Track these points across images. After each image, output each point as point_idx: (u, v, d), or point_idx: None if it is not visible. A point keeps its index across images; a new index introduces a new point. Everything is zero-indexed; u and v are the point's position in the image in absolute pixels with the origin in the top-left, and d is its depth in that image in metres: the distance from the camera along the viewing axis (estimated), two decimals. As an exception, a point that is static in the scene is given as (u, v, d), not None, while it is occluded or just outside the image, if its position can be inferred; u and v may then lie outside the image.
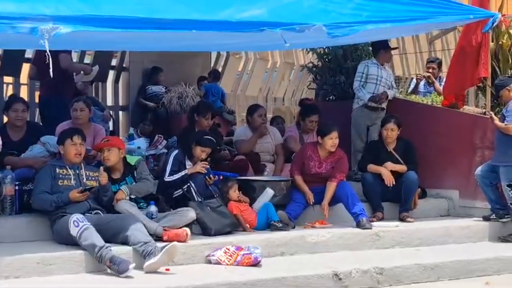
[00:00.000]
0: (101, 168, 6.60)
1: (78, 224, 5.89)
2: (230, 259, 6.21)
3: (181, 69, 11.76)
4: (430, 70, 10.19)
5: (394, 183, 7.91)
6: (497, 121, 7.61)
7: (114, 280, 5.61)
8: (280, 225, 7.12)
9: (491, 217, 7.86)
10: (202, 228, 6.78)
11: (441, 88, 9.55)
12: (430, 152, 8.61)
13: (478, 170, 7.91)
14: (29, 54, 11.40)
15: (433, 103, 9.22)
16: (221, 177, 7.52)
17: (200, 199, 7.00)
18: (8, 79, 12.29)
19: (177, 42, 7.48)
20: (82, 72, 9.69)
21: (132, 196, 6.77)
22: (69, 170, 6.54)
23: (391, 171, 7.95)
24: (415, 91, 10.23)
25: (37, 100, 10.29)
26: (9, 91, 12.45)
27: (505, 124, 7.52)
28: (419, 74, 10.74)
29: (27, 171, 6.99)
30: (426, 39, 15.01)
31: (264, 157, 8.71)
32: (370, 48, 9.60)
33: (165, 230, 6.39)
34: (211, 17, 6.20)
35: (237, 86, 17.25)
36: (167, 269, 5.88)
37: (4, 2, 5.50)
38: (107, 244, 5.83)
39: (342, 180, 7.70)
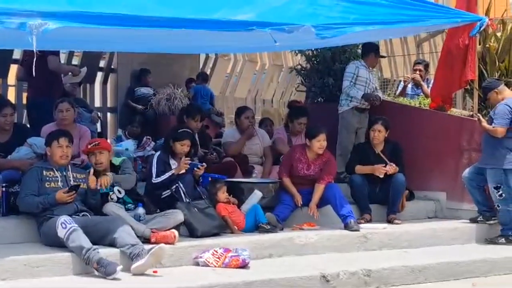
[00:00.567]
0: (90, 171, 6.58)
1: (65, 226, 5.87)
2: (218, 261, 6.21)
3: (170, 71, 11.77)
4: (417, 72, 10.22)
5: (387, 172, 7.92)
6: (484, 123, 7.64)
7: (102, 282, 5.59)
8: (268, 227, 7.13)
9: (478, 219, 7.90)
10: (189, 230, 6.77)
11: (428, 90, 9.59)
12: (417, 154, 8.64)
13: (465, 172, 7.94)
14: (17, 55, 11.37)
15: (421, 106, 9.25)
16: (209, 179, 7.52)
17: (188, 200, 7.01)
18: (-5, 80, 12.25)
19: (166, 43, 7.48)
20: (70, 73, 9.67)
21: (120, 196, 6.77)
22: (56, 172, 6.52)
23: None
24: (403, 93, 10.26)
25: (24, 101, 10.26)
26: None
27: (493, 126, 7.55)
28: (407, 76, 10.77)
29: (13, 173, 6.96)
30: (414, 42, 15.08)
31: (253, 159, 8.72)
32: (359, 51, 9.62)
33: (153, 232, 6.38)
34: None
35: (225, 88, 17.25)
36: (155, 271, 5.87)
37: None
38: (95, 246, 5.81)
39: (330, 182, 7.71)
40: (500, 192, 7.53)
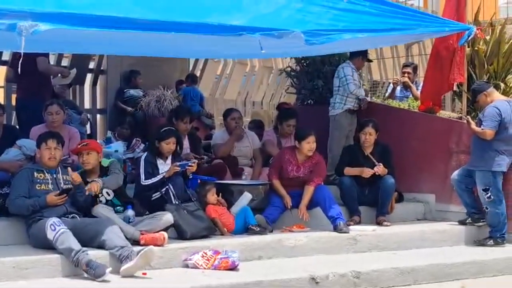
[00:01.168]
0: (69, 169, 6.58)
1: (55, 228, 5.87)
2: (208, 263, 6.21)
3: (160, 73, 11.75)
4: (406, 75, 10.24)
5: (376, 173, 7.93)
6: (473, 126, 7.67)
7: (91, 284, 5.58)
8: (258, 229, 7.13)
9: (467, 221, 7.93)
10: (177, 232, 6.76)
11: (418, 92, 9.62)
12: (406, 157, 8.66)
13: (454, 174, 7.97)
14: (6, 56, 11.34)
15: (410, 108, 9.28)
16: (199, 181, 7.52)
17: (177, 202, 7.00)
18: (-16, 81, 12.20)
19: (155, 46, 7.46)
20: (59, 75, 9.65)
21: (108, 198, 6.77)
22: (46, 174, 6.50)
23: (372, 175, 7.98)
24: (392, 95, 10.28)
25: (14, 102, 10.22)
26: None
27: (482, 129, 7.58)
28: (396, 78, 10.80)
29: (3, 174, 6.94)
30: (403, 44, 15.09)
31: (242, 161, 8.71)
32: (348, 54, 9.65)
33: (142, 234, 6.37)
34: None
35: (215, 90, 17.23)
36: (144, 273, 5.87)
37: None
38: (84, 248, 5.80)
39: (319, 184, 7.72)
40: (489, 194, 7.56)
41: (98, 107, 12.74)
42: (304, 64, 10.33)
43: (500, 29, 9.23)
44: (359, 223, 7.81)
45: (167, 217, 6.64)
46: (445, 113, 8.85)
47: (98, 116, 12.78)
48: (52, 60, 10.74)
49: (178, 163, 7.19)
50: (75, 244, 5.79)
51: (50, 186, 6.46)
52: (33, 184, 6.41)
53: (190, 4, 6.45)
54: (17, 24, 5.33)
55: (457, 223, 8.00)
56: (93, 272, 5.63)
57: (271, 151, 8.75)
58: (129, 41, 6.92)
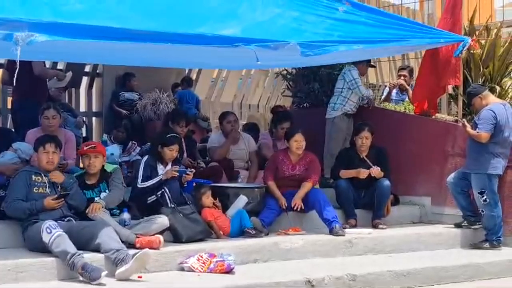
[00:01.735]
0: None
1: (50, 231, 5.86)
2: (203, 267, 6.20)
3: (156, 76, 11.70)
4: (402, 78, 10.26)
5: (372, 174, 7.94)
6: (469, 129, 7.68)
7: (86, 288, 5.58)
8: (254, 232, 7.13)
9: (463, 224, 7.94)
10: (173, 235, 6.76)
11: (414, 95, 9.62)
12: (402, 160, 8.67)
13: (450, 177, 7.98)
14: (1, 59, 11.30)
15: (406, 111, 9.29)
16: (194, 184, 7.51)
17: (173, 205, 6.99)
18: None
19: (151, 56, 7.46)
20: (55, 78, 9.63)
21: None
22: (44, 177, 6.49)
23: (367, 178, 7.98)
24: (388, 98, 10.30)
25: (9, 105, 10.20)
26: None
27: (477, 132, 7.59)
28: (392, 82, 10.82)
29: (-2, 177, 6.94)
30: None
31: (238, 164, 8.72)
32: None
33: (138, 237, 6.36)
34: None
35: (211, 93, 17.21)
36: (140, 277, 5.86)
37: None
38: (79, 252, 5.79)
39: (316, 181, 7.77)
40: (484, 197, 7.57)
41: (93, 110, 12.71)
42: (300, 67, 10.34)
43: (495, 32, 9.24)
44: (355, 226, 7.82)
45: (163, 220, 6.63)
46: (441, 116, 8.87)
47: (94, 119, 12.74)
48: (47, 63, 10.71)
49: (176, 168, 7.18)
50: (71, 247, 5.78)
51: (47, 189, 6.44)
52: (31, 187, 6.40)
53: (185, 9, 6.46)
54: (14, 34, 5.33)
55: (453, 226, 8.01)
56: (89, 275, 5.62)
57: (266, 154, 8.77)
58: (124, 51, 6.90)
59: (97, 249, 5.99)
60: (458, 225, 7.96)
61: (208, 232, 7.01)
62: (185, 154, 8.31)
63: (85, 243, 6.04)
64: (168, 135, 7.41)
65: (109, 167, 7.08)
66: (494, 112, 7.57)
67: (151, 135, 9.52)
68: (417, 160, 8.71)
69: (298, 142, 7.75)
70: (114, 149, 8.90)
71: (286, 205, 7.62)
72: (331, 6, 7.18)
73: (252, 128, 10.22)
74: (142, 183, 7.15)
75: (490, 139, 7.55)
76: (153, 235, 6.44)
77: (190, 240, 6.73)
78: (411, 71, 10.54)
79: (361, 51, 7.40)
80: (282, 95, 13.31)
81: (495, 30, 9.34)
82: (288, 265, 6.71)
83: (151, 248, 6.17)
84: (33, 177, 6.46)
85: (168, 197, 7.09)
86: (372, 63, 10.02)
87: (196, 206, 7.14)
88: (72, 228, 6.12)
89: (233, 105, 17.30)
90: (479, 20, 9.90)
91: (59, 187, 6.48)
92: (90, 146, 6.98)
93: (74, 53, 7.22)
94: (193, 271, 6.19)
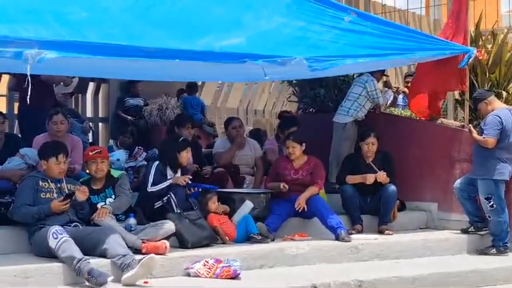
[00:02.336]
0: (81, 186, 6.56)
1: (57, 236, 5.87)
2: (209, 272, 6.19)
3: (161, 81, 11.74)
4: (408, 85, 10.25)
5: (378, 179, 7.94)
6: (475, 134, 7.67)
7: (92, 293, 5.59)
8: (259, 237, 7.12)
9: (469, 230, 7.91)
10: (179, 241, 6.76)
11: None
12: (409, 165, 8.66)
13: (457, 183, 7.96)
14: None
15: (412, 116, 9.27)
16: (200, 189, 7.51)
17: (179, 211, 6.99)
18: (-13, 90, 12.20)
19: (159, 71, 7.47)
20: (62, 83, 9.66)
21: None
22: (51, 183, 6.50)
23: (373, 183, 7.98)
24: (394, 104, 10.29)
25: (16, 111, 10.23)
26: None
27: (483, 137, 7.58)
28: (398, 87, 10.82)
29: (4, 183, 6.94)
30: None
31: (244, 170, 8.72)
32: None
33: (144, 242, 6.36)
34: (190, 45, 6.23)
35: (217, 98, 17.24)
36: (146, 282, 5.85)
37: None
38: (86, 257, 5.80)
39: (322, 186, 7.81)
40: (491, 202, 7.55)
41: (100, 115, 12.75)
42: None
43: (502, 37, 9.23)
44: (361, 231, 7.80)
45: (169, 226, 6.63)
46: (447, 122, 8.85)
47: (100, 124, 12.79)
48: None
49: (187, 177, 7.17)
50: (77, 253, 5.78)
51: (54, 195, 6.45)
52: (38, 193, 6.41)
53: (190, 18, 6.47)
54: (23, 52, 5.34)
55: (459, 231, 7.98)
56: (95, 280, 5.62)
57: (272, 159, 8.76)
58: (130, 69, 6.91)
59: (103, 255, 5.99)
60: (464, 231, 7.94)
61: (214, 238, 7.01)
62: (191, 160, 8.30)
63: (91, 249, 6.04)
64: (180, 139, 7.43)
65: (115, 173, 7.10)
66: (500, 117, 7.56)
67: (157, 141, 9.54)
68: (424, 165, 8.70)
69: (289, 148, 7.79)
70: (120, 154, 8.91)
71: (287, 187, 7.63)
72: (336, 16, 7.20)
73: (256, 134, 10.23)
74: (152, 187, 7.15)
75: (496, 144, 7.54)
76: (159, 240, 6.44)
77: (196, 246, 6.73)
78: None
79: (366, 63, 7.41)
80: (288, 100, 13.32)
81: (501, 36, 9.32)
82: (294, 270, 6.70)
83: (157, 253, 6.17)
84: (40, 182, 6.47)
85: (174, 202, 7.09)
86: (385, 73, 10.07)
87: (202, 211, 7.14)
88: (78, 234, 6.12)
89: (238, 111, 17.32)
90: (485, 25, 9.88)
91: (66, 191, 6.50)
92: (96, 151, 7.00)
93: (82, 68, 7.23)
94: (199, 276, 6.18)
